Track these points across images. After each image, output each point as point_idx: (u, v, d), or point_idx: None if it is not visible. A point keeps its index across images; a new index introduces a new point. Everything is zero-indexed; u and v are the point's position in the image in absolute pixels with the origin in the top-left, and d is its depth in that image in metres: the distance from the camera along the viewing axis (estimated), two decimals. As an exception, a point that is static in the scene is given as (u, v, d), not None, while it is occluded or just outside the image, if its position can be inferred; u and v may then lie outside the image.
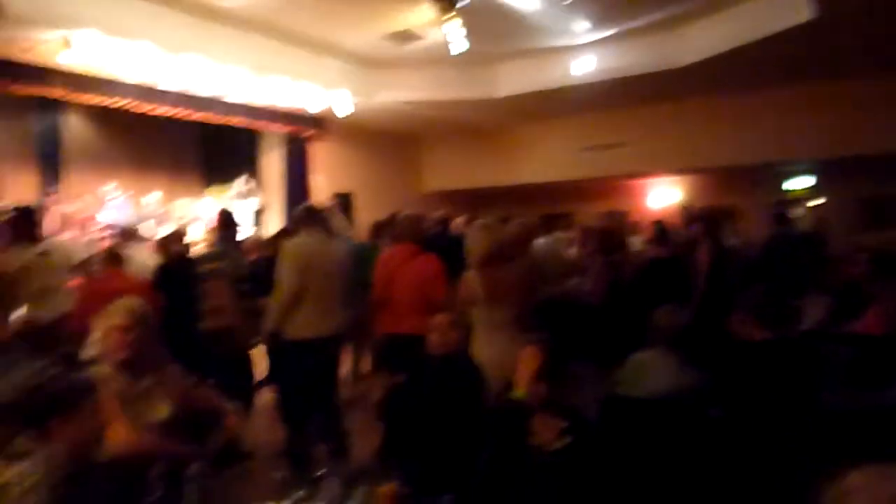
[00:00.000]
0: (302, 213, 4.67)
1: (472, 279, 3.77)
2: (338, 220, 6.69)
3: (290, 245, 4.50)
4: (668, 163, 10.31)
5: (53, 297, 5.09)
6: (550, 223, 6.52)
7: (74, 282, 5.84)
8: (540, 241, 6.02)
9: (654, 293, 4.49)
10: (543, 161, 11.03)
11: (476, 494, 2.15)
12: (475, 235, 3.85)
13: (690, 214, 6.81)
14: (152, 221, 8.59)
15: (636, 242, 7.07)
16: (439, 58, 8.27)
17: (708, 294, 5.05)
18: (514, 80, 9.02)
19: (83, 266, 6.91)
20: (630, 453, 2.61)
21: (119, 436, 2.32)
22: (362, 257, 5.50)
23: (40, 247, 5.16)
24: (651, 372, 3.37)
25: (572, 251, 6.43)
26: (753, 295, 3.06)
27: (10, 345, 3.39)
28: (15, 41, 6.07)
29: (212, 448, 2.67)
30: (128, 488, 2.08)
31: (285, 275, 4.30)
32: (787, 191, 10.74)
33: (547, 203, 11.37)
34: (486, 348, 3.53)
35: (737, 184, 10.40)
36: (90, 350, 5.73)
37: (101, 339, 2.68)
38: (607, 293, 5.09)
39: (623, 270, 5.20)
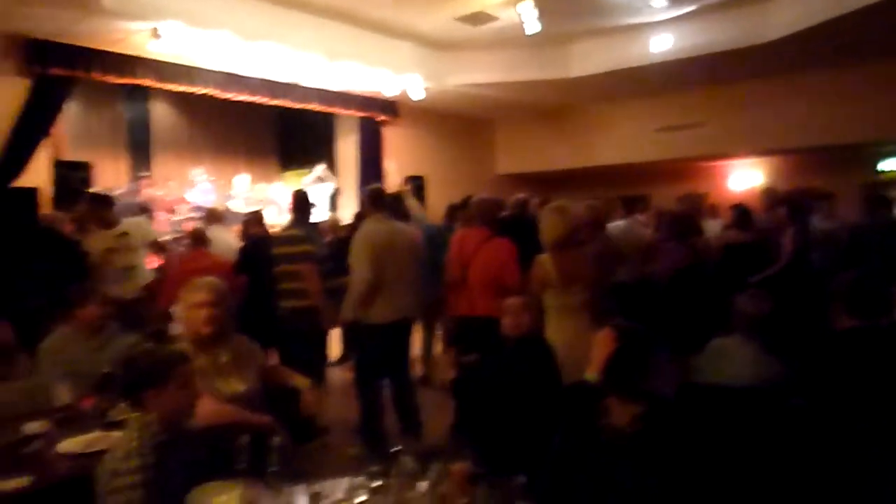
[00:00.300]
0: (368, 197, 4.72)
1: (545, 262, 3.74)
2: (411, 204, 6.75)
3: (361, 234, 4.55)
4: (749, 144, 9.87)
5: (136, 276, 5.39)
6: (629, 205, 6.37)
7: (161, 261, 6.15)
8: (619, 224, 5.90)
9: (735, 279, 4.35)
10: (618, 142, 10.78)
11: (548, 476, 2.15)
12: (548, 218, 3.80)
13: (774, 197, 6.53)
14: (237, 204, 8.92)
15: (715, 226, 6.83)
16: (512, 39, 8.19)
17: (792, 280, 4.84)
18: (588, 59, 8.83)
19: (169, 246, 7.29)
20: (707, 442, 2.54)
21: (206, 407, 2.45)
22: (436, 240, 5.55)
23: (119, 228, 5.45)
24: (731, 359, 3.27)
25: (650, 234, 6.27)
26: (843, 281, 2.91)
27: (103, 323, 3.60)
28: (108, 33, 6.40)
29: (290, 422, 2.79)
30: (217, 456, 2.19)
31: (358, 263, 4.38)
32: (882, 172, 10.11)
33: (622, 185, 11.11)
34: (559, 332, 3.51)
35: (824, 165, 9.86)
36: (176, 326, 6.05)
37: (184, 315, 2.82)
38: (682, 278, 4.96)
39: (699, 255, 5.05)
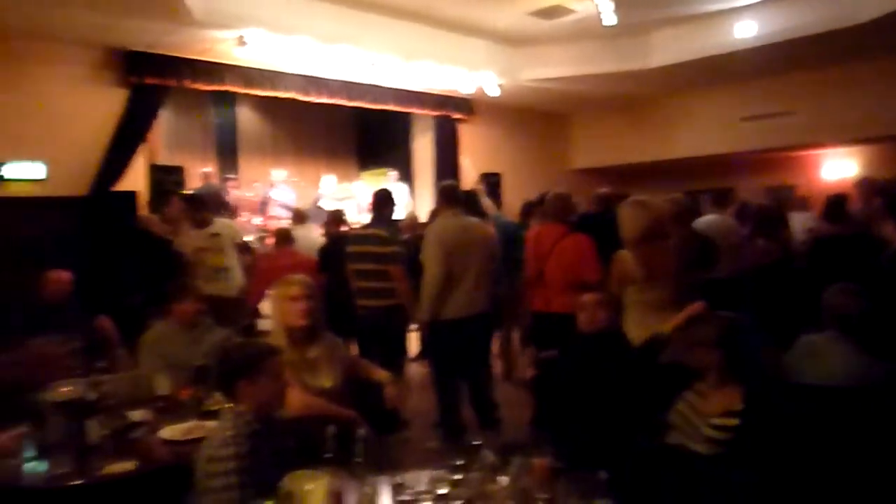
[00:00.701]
0: (441, 193, 4.71)
1: (625, 258, 3.68)
2: (484, 202, 6.78)
3: (431, 230, 4.56)
4: (842, 132, 9.33)
5: (227, 275, 5.62)
6: (719, 199, 6.15)
7: (248, 261, 6.40)
8: (708, 218, 5.70)
9: (827, 274, 4.13)
10: (700, 133, 10.42)
11: (633, 473, 2.13)
12: (628, 212, 3.73)
13: (869, 188, 6.16)
14: (326, 203, 9.18)
15: (805, 219, 6.51)
16: (588, 31, 8.08)
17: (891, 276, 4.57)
18: (668, 48, 8.59)
19: (255, 246, 7.59)
20: (798, 441, 2.45)
21: (295, 398, 2.56)
22: (511, 237, 5.54)
23: (211, 229, 5.71)
24: (821, 357, 3.12)
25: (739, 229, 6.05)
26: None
27: (197, 318, 3.80)
28: (197, 42, 6.74)
29: (372, 414, 2.87)
30: (306, 445, 2.28)
31: (430, 259, 4.38)
32: None
33: (704, 178, 10.76)
34: (640, 328, 3.44)
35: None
36: (265, 322, 6.30)
37: (278, 308, 2.93)
38: (770, 274, 4.76)
39: (788, 250, 4.84)
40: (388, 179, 9.97)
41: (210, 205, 6.14)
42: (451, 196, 4.62)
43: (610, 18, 7.01)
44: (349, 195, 9.64)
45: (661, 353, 2.58)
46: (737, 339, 2.37)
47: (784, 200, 7.04)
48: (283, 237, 5.79)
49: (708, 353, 2.37)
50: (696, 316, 2.55)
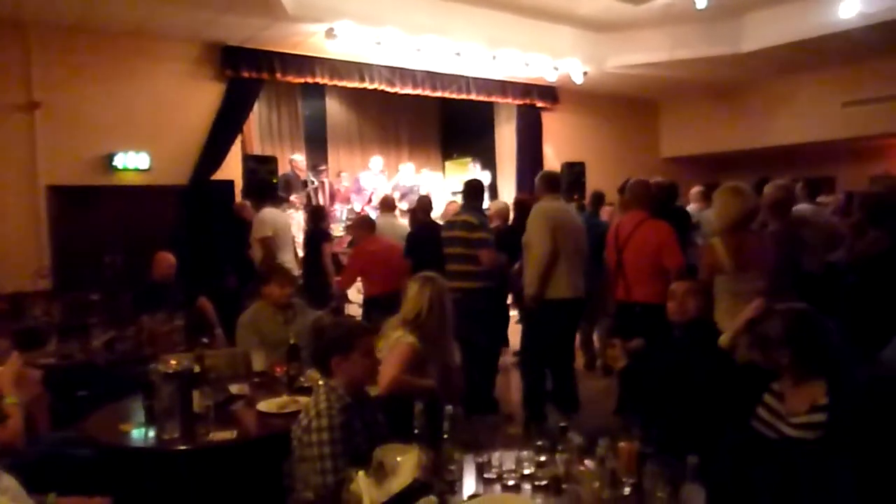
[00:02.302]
0: (543, 179, 4.78)
1: (716, 246, 3.58)
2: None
3: (539, 208, 4.63)
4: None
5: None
6: (814, 187, 5.85)
7: (326, 248, 6.61)
8: (805, 207, 5.45)
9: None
10: (797, 120, 9.89)
11: (726, 464, 2.09)
12: (722, 198, 3.62)
13: None
14: (410, 191, 9.37)
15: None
16: (677, 14, 7.83)
17: None
18: (763, 31, 8.18)
19: (342, 234, 7.81)
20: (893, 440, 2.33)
21: (386, 374, 2.66)
22: (590, 226, 5.50)
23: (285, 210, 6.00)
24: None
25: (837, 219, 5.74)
26: None
27: (290, 300, 3.97)
28: (289, 36, 6.99)
29: (452, 394, 2.94)
30: (397, 419, 2.37)
31: (538, 237, 4.47)
32: None
33: (803, 167, 10.21)
34: (729, 319, 3.35)
35: None
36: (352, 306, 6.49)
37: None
38: (879, 266, 4.50)
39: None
40: (470, 169, 10.06)
41: (260, 193, 6.40)
42: (553, 182, 4.75)
43: (702, 1, 6.76)
44: (431, 185, 9.78)
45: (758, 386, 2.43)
46: (806, 331, 2.20)
47: (893, 189, 6.59)
48: (369, 225, 5.95)
49: (777, 351, 2.23)
50: (757, 316, 2.41)
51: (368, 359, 2.32)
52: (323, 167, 9.52)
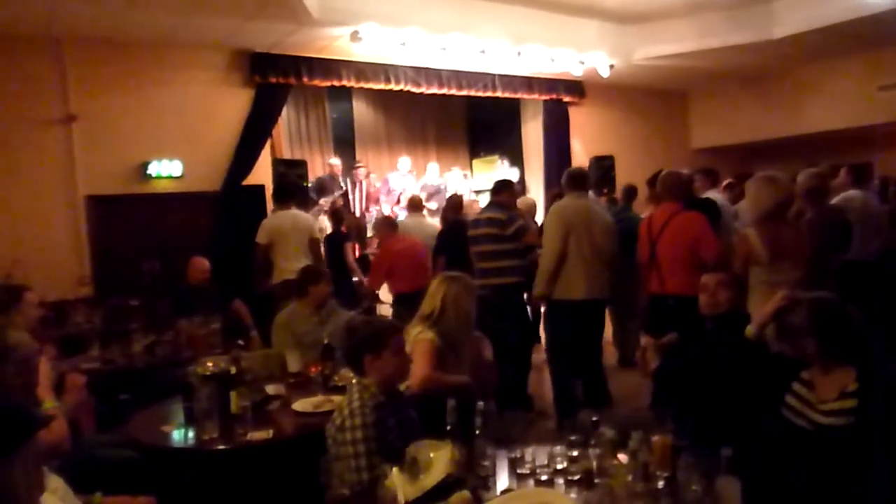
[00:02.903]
0: (569, 176, 4.77)
1: (751, 236, 3.53)
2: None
3: (554, 208, 4.65)
4: None
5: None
6: (859, 173, 5.71)
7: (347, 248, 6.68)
8: (852, 194, 5.34)
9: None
10: (831, 106, 9.67)
11: (761, 457, 2.07)
12: (755, 188, 3.57)
13: None
14: (437, 191, 9.42)
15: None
16: (705, 2, 7.72)
17: None
18: (794, 16, 8.00)
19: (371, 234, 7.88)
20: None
21: (417, 372, 2.69)
22: (616, 221, 5.46)
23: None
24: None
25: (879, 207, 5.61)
26: None
27: (325, 300, 4.03)
28: (315, 41, 7.06)
29: (485, 389, 2.95)
30: (430, 415, 2.39)
31: (548, 237, 4.48)
32: None
33: (838, 154, 9.96)
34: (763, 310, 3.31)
35: None
36: (384, 306, 6.56)
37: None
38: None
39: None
40: (498, 166, 10.05)
41: (278, 197, 6.43)
42: (577, 179, 4.72)
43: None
44: (460, 183, 9.81)
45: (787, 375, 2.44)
46: (830, 320, 2.20)
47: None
48: (391, 225, 6.03)
49: (803, 341, 2.23)
50: (784, 307, 2.40)
51: (400, 357, 2.36)
52: (360, 165, 9.57)
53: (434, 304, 3.03)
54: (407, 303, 5.13)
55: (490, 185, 9.00)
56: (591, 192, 7.04)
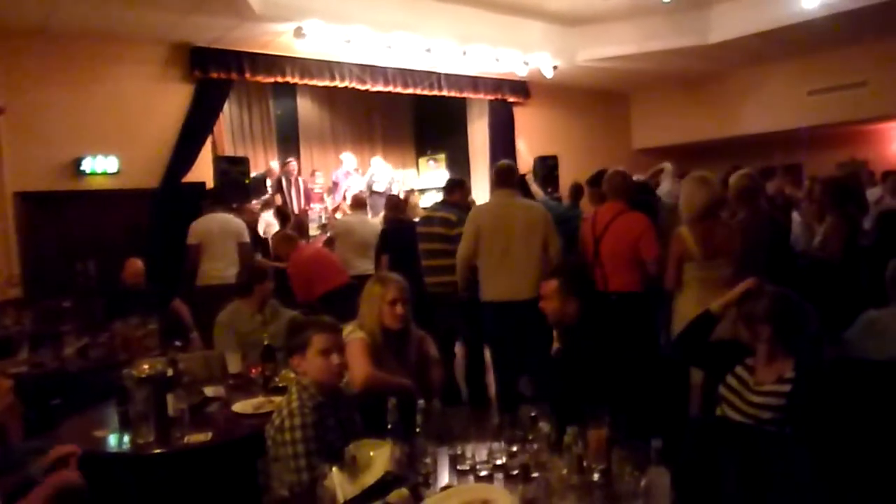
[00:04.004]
0: (495, 173, 4.71)
1: (684, 235, 3.66)
2: (534, 189, 6.89)
3: (472, 210, 4.70)
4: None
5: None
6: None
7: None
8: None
9: (891, 249, 3.98)
10: (765, 109, 10.06)
11: (690, 445, 2.16)
12: (688, 188, 3.72)
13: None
14: (379, 187, 9.38)
15: (872, 194, 6.26)
16: (645, 7, 7.93)
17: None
18: (730, 22, 8.28)
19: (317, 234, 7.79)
20: (859, 419, 2.43)
21: (359, 372, 2.68)
22: (561, 220, 5.51)
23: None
24: (886, 333, 3.04)
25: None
26: None
27: (268, 299, 4.00)
28: (258, 36, 6.94)
29: (431, 387, 2.96)
30: (371, 414, 2.39)
31: (462, 240, 4.49)
32: None
33: (771, 155, 10.41)
34: (698, 306, 3.42)
35: None
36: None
37: (374, 309, 2.91)
38: (843, 250, 4.61)
39: (859, 225, 4.67)
40: (438, 165, 10.09)
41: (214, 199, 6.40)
42: (501, 175, 4.58)
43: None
44: (404, 182, 9.82)
45: (710, 330, 2.60)
46: (787, 312, 2.39)
47: (859, 175, 6.75)
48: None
49: (759, 327, 2.39)
50: (748, 291, 2.54)
51: (324, 357, 2.29)
52: (290, 161, 9.39)
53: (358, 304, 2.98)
54: (336, 301, 5.04)
55: (436, 184, 9.03)
56: (535, 188, 7.17)
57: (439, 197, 9.19)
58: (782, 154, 10.46)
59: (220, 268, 5.73)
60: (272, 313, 3.97)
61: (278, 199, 8.64)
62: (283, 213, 7.28)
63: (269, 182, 8.98)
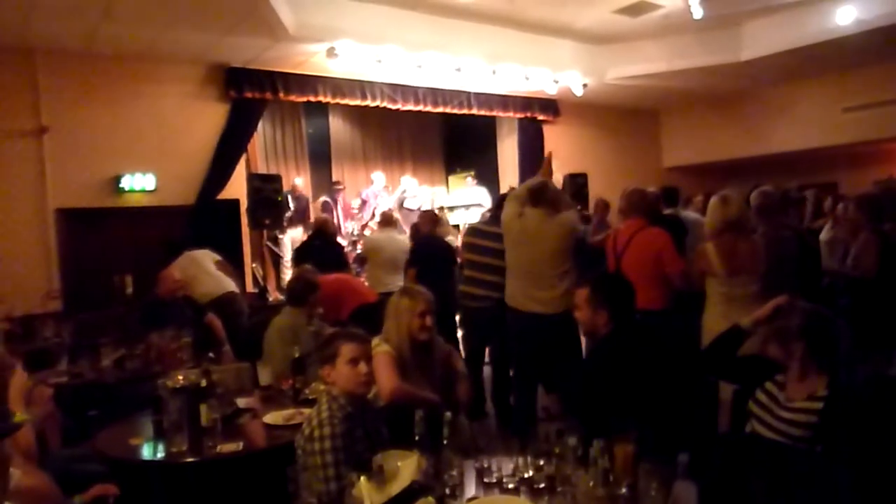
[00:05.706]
0: (521, 192, 4.66)
1: (708, 250, 3.67)
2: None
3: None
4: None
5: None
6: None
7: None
8: None
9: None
10: (798, 126, 9.94)
11: (717, 460, 2.14)
12: (711, 206, 3.77)
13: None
14: (410, 203, 9.48)
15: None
16: (676, 25, 7.92)
17: None
18: (761, 39, 8.26)
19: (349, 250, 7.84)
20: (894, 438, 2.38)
21: (386, 384, 2.71)
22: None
23: None
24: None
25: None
26: None
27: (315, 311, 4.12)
28: (291, 56, 7.11)
29: (458, 402, 2.98)
30: (397, 427, 2.41)
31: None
32: None
33: (805, 173, 10.24)
34: (722, 321, 3.40)
35: None
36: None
37: (402, 321, 2.98)
38: (877, 265, 4.53)
39: (890, 242, 4.59)
40: (468, 183, 10.13)
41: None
42: (533, 194, 4.52)
43: (698, 11, 6.87)
44: (435, 199, 9.88)
45: (738, 345, 2.57)
46: (820, 329, 2.35)
47: (891, 191, 6.61)
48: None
49: (791, 343, 2.36)
50: (780, 308, 2.51)
51: (352, 367, 2.33)
52: (341, 186, 9.68)
53: (384, 318, 3.03)
54: (363, 319, 5.05)
55: (466, 201, 9.05)
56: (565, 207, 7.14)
57: (469, 214, 9.46)
58: (816, 173, 10.30)
59: (207, 291, 5.78)
60: (319, 325, 4.06)
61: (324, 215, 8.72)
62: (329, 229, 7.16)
63: (290, 199, 9.09)
